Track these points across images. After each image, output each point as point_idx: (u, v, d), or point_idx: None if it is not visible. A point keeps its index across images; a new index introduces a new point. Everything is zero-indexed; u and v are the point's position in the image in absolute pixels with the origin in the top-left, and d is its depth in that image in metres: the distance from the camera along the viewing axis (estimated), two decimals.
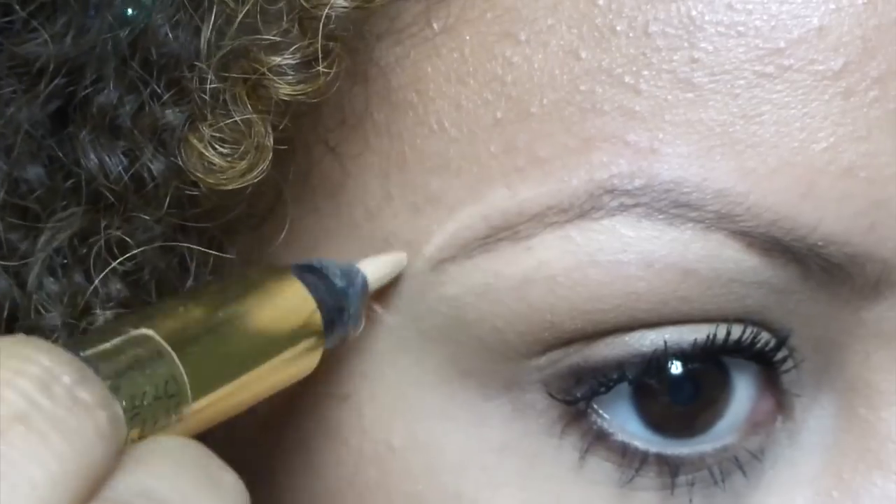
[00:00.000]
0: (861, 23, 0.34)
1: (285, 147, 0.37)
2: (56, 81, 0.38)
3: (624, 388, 0.37)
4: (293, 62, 0.34)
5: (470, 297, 0.36)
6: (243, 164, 0.35)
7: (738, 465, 0.37)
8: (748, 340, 0.36)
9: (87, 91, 0.37)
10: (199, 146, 0.36)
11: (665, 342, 0.35)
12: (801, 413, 0.38)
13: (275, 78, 0.34)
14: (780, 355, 0.37)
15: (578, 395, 0.36)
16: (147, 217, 0.37)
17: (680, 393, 0.37)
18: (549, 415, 0.37)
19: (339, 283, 0.36)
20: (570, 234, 0.34)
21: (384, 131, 0.37)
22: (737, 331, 0.36)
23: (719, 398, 0.37)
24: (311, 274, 0.36)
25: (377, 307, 0.38)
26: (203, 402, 0.32)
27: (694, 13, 0.34)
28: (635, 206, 0.34)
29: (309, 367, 0.36)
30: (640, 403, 0.37)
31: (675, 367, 0.37)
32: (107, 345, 0.31)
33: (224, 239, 0.39)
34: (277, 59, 0.34)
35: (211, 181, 0.35)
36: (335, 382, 0.39)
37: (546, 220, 0.35)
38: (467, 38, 0.35)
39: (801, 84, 0.34)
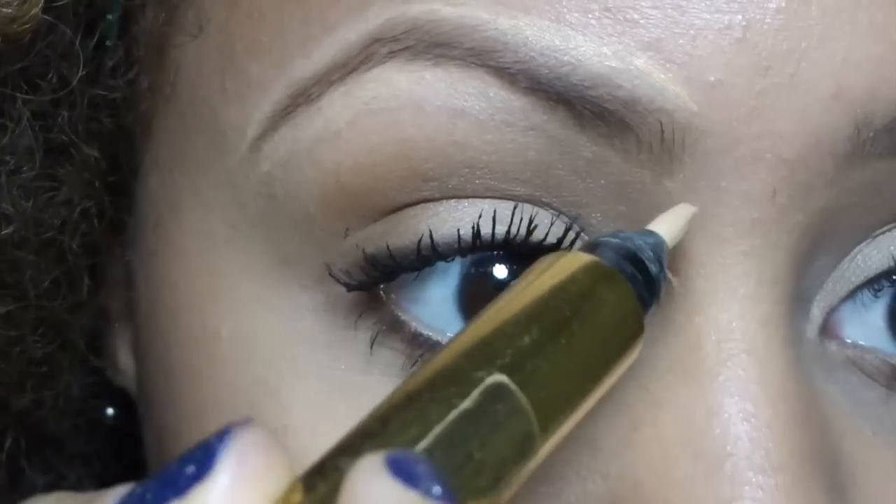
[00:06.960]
0: None
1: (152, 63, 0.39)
2: None
3: (452, 283, 0.37)
4: None
5: (278, 171, 0.36)
6: (8, 11, 0.35)
7: None
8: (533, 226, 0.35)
9: None
10: None
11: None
12: None
13: None
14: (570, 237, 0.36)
15: (373, 278, 0.36)
16: None
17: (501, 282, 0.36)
18: (347, 303, 0.36)
19: (654, 268, 0.32)
20: (350, 87, 0.35)
21: (224, 29, 0.37)
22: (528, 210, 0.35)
23: None
24: (628, 262, 0.32)
25: None
26: (548, 444, 0.28)
27: None
28: (403, 50, 0.34)
29: (629, 364, 0.32)
30: (464, 299, 0.37)
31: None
32: (467, 404, 0.26)
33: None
34: None
35: None
36: (173, 270, 0.39)
37: (330, 79, 0.35)
38: None
39: None
